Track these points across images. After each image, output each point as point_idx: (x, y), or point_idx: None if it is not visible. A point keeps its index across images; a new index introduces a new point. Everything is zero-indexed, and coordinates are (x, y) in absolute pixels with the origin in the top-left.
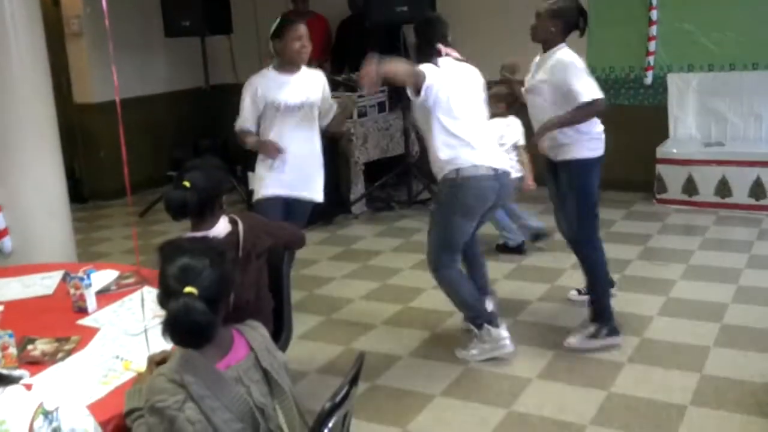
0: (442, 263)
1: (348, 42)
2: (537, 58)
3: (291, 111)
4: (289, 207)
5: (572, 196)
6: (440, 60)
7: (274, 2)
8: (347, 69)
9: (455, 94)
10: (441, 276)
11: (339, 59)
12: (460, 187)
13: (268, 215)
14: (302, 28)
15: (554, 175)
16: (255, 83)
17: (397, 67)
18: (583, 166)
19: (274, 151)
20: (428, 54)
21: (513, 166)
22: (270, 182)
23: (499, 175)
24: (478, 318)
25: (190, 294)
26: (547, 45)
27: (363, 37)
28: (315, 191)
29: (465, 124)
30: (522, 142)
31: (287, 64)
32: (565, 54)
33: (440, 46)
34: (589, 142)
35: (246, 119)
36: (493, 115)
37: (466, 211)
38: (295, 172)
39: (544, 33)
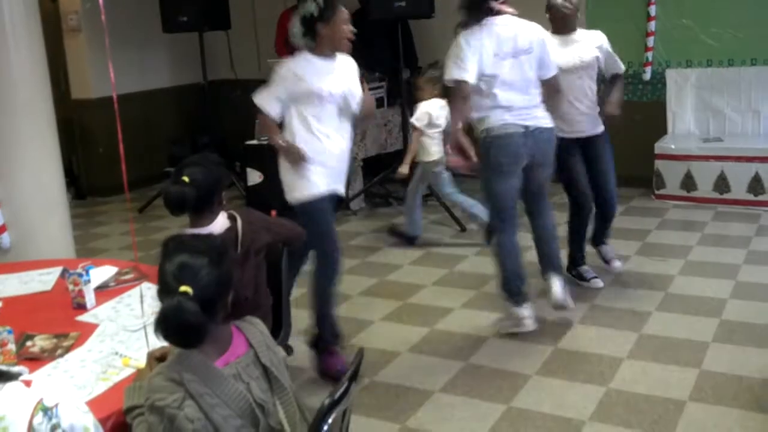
0: (494, 227)
1: (356, 35)
2: (556, 41)
3: (333, 100)
4: None
5: (612, 159)
6: (487, 20)
7: None
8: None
9: (490, 61)
10: (493, 241)
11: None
12: (490, 146)
13: (325, 215)
14: (347, 12)
15: (581, 153)
16: (293, 66)
17: (455, 119)
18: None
19: (299, 160)
20: (479, 11)
21: (442, 150)
22: (317, 178)
23: (531, 132)
24: (504, 294)
25: (184, 293)
26: (573, 26)
27: (371, 29)
28: (343, 185)
29: (499, 85)
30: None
31: (328, 50)
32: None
33: (494, 4)
34: None
35: (271, 101)
36: (428, 97)
37: (499, 169)
38: (335, 165)
39: (575, 17)
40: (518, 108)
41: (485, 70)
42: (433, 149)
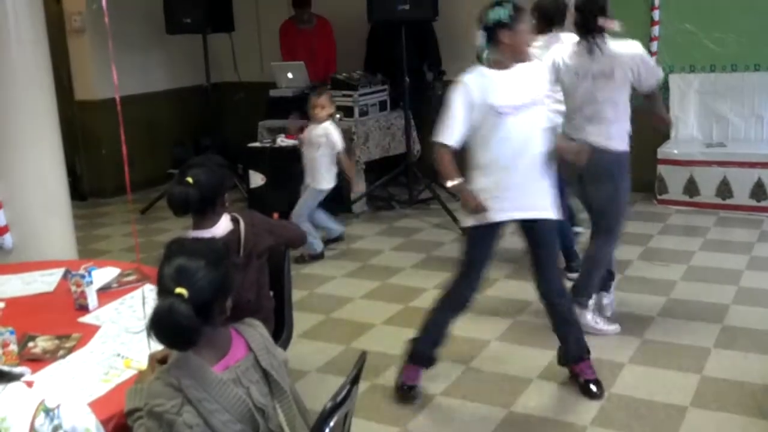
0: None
1: (380, 46)
2: (572, 49)
3: (516, 112)
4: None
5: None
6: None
7: (276, 0)
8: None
9: (566, 81)
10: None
11: (373, 64)
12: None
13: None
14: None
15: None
16: (470, 84)
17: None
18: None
19: (480, 210)
20: (589, 29)
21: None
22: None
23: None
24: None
25: (179, 295)
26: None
27: (399, 40)
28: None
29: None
30: (341, 148)
31: (509, 60)
32: None
33: (601, 21)
34: None
35: (453, 132)
36: (325, 116)
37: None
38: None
39: None
40: None
41: None
42: (327, 174)
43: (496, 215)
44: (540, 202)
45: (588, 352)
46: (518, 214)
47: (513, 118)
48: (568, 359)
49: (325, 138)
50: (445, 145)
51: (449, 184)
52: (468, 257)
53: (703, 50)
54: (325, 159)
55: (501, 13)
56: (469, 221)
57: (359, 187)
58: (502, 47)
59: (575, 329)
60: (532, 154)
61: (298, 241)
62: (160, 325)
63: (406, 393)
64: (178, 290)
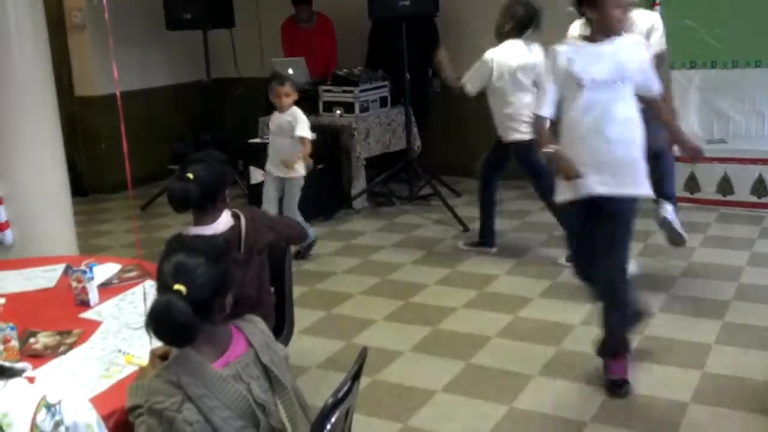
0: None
1: (381, 43)
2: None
3: (598, 86)
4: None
5: None
6: None
7: None
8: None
9: None
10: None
11: (375, 61)
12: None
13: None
14: None
15: None
16: (560, 53)
17: None
18: None
19: (573, 176)
20: None
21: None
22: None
23: None
24: None
25: (177, 291)
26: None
27: (400, 37)
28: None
29: None
30: (309, 133)
31: (599, 34)
32: None
33: None
34: None
35: (544, 102)
36: (289, 105)
37: None
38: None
39: None
40: None
41: None
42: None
43: (581, 189)
44: (622, 179)
45: (627, 349)
46: (602, 189)
47: (594, 92)
48: (603, 351)
49: (296, 122)
50: (540, 116)
51: (545, 150)
52: (569, 233)
53: (703, 46)
54: (296, 146)
55: None
56: (564, 195)
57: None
58: (590, 22)
59: (618, 321)
60: (616, 129)
61: (299, 238)
62: (158, 321)
63: (621, 388)
64: (177, 287)
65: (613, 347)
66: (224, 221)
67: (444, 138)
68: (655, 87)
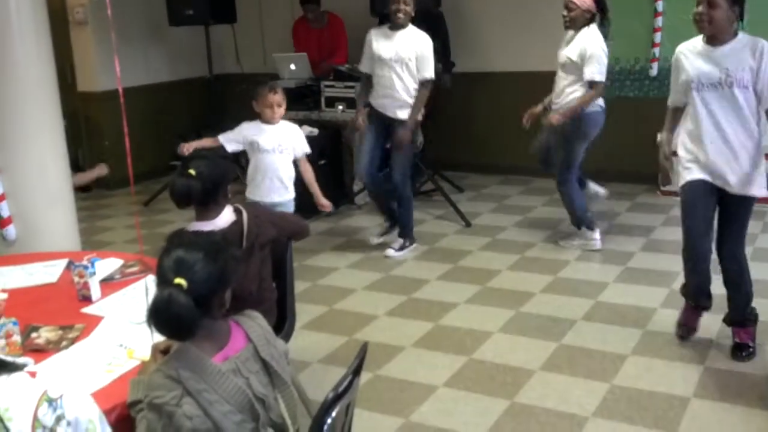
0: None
1: None
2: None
3: (704, 88)
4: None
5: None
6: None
7: None
8: None
9: None
10: (564, 188)
11: None
12: (583, 120)
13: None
14: None
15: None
16: (681, 52)
17: None
18: None
19: (663, 169)
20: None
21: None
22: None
23: (605, 109)
24: (582, 223)
25: (177, 285)
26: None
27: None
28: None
29: None
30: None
31: (712, 38)
32: None
33: None
34: None
35: (671, 93)
36: (275, 119)
37: (586, 137)
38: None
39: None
40: None
41: None
42: (290, 182)
43: (687, 174)
44: (731, 178)
45: (753, 320)
46: (710, 179)
47: (701, 92)
48: (731, 321)
49: (296, 138)
50: (669, 106)
51: (658, 137)
52: (682, 216)
53: None
54: (291, 165)
55: None
56: (679, 181)
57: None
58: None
59: (742, 295)
60: (722, 131)
61: (302, 233)
62: (159, 315)
63: (744, 351)
64: (177, 280)
65: (738, 317)
66: (226, 217)
67: (451, 134)
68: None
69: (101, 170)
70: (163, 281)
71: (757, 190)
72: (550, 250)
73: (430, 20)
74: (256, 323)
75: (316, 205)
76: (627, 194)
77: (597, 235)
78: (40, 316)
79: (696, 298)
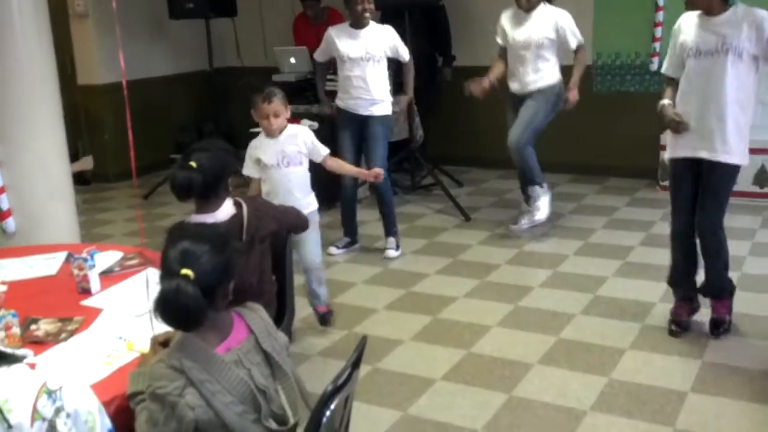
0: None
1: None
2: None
3: (699, 56)
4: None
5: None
6: None
7: None
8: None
9: None
10: (525, 149)
11: None
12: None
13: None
14: None
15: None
16: (679, 22)
17: None
18: None
19: (673, 126)
20: None
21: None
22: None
23: None
24: (538, 179)
25: (185, 276)
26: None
27: (404, 25)
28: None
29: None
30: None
31: (703, 7)
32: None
33: None
34: None
35: (666, 63)
36: (276, 130)
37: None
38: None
39: None
40: None
41: None
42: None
43: (676, 151)
44: (713, 145)
45: (729, 292)
46: (690, 153)
47: (695, 60)
48: (707, 291)
49: (311, 145)
50: (664, 74)
51: (659, 105)
52: (670, 191)
53: None
54: (303, 175)
55: None
56: (667, 153)
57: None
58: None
59: (719, 262)
60: (714, 98)
61: (302, 227)
62: (167, 306)
63: (721, 326)
64: (184, 271)
65: (715, 289)
66: (226, 210)
67: (452, 128)
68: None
69: (86, 164)
70: (168, 273)
71: (738, 159)
72: (548, 244)
73: (431, 14)
74: (257, 315)
75: (371, 180)
76: (627, 189)
77: (547, 198)
78: (40, 309)
79: (679, 281)
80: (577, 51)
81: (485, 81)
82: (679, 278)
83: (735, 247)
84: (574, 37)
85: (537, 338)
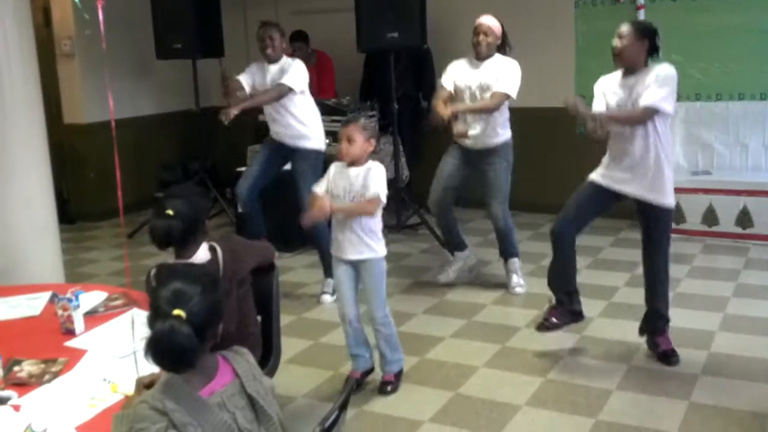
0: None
1: (373, 73)
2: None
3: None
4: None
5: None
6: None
7: None
8: (375, 101)
9: None
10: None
11: (368, 90)
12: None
13: None
14: None
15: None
16: (600, 81)
17: None
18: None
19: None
20: None
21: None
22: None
23: None
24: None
25: (177, 317)
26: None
27: (389, 68)
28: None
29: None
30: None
31: (625, 66)
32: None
33: None
34: None
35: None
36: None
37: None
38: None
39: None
40: None
41: None
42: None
43: (593, 175)
44: (635, 186)
45: (661, 326)
46: (616, 187)
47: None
48: (644, 329)
49: (369, 180)
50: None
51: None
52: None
53: (688, 79)
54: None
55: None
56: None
57: None
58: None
59: (658, 299)
60: (627, 145)
61: (271, 258)
62: (161, 347)
63: (672, 357)
64: (177, 312)
65: (653, 325)
66: (201, 255)
67: (435, 169)
68: None
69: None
70: (160, 313)
71: (663, 199)
72: (534, 284)
73: (416, 57)
74: (243, 359)
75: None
76: (609, 229)
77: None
78: (23, 350)
79: (557, 288)
80: (494, 94)
81: (447, 110)
82: (559, 284)
83: (719, 289)
84: (505, 84)
85: (524, 379)
